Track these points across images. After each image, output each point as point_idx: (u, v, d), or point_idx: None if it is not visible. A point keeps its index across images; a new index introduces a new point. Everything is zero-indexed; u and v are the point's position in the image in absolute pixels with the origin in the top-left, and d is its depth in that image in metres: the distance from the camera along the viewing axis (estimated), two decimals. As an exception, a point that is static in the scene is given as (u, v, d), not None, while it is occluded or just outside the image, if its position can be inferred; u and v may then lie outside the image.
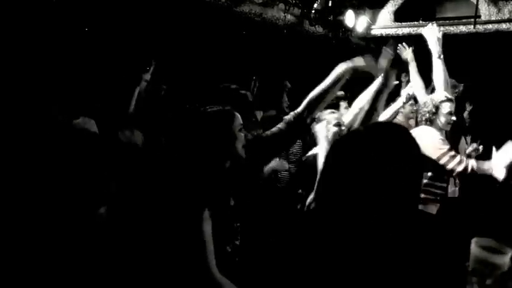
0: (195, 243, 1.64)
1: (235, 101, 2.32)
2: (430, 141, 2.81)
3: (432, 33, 3.31)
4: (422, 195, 2.79)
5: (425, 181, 2.86)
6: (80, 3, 4.33)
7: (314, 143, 3.09)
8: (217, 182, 1.76)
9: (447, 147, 2.83)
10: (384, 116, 3.70)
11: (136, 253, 1.68)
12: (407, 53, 3.67)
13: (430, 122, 3.00)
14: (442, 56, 3.26)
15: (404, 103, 3.37)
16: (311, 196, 2.29)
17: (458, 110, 5.48)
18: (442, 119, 3.00)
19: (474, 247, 1.05)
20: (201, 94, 4.58)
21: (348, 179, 1.09)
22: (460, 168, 2.73)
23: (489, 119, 5.71)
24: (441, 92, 3.11)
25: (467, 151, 3.80)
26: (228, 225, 2.01)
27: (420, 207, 2.60)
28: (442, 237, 2.52)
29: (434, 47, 3.29)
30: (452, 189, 3.84)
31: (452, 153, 2.82)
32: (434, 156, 2.79)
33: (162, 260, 1.65)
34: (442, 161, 2.79)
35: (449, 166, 2.78)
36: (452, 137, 4.49)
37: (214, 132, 1.78)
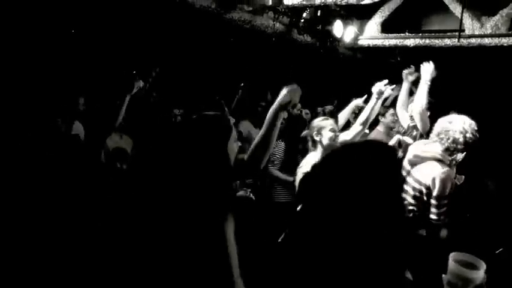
0: (218, 248, 1.61)
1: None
2: (445, 178, 2.61)
3: (428, 71, 3.38)
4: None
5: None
6: (73, 12, 4.33)
7: (301, 147, 3.13)
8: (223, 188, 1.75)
9: (437, 194, 2.76)
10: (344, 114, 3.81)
11: (154, 258, 1.66)
12: (410, 72, 3.78)
13: (452, 151, 2.67)
14: (429, 84, 3.31)
15: (376, 98, 3.25)
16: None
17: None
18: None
19: (451, 262, 1.11)
20: (190, 101, 4.61)
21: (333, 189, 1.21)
22: (441, 217, 2.72)
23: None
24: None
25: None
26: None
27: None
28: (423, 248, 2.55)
29: (427, 76, 3.34)
30: None
31: (442, 202, 2.83)
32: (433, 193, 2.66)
33: (183, 266, 1.62)
34: (433, 201, 2.70)
35: (436, 210, 2.82)
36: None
37: (213, 137, 1.76)
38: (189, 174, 1.69)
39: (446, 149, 2.59)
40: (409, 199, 2.64)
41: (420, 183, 2.62)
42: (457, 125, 2.65)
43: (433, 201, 2.55)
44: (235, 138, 1.83)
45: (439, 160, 2.60)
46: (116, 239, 1.81)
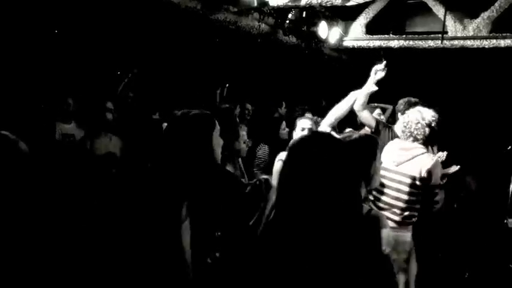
0: (173, 247, 1.64)
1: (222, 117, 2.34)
2: (432, 167, 2.74)
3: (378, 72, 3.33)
4: (397, 225, 2.83)
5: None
6: (58, 13, 4.27)
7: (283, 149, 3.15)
8: (198, 184, 1.76)
9: (440, 179, 2.87)
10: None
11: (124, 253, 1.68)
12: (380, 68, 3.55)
13: (428, 139, 2.86)
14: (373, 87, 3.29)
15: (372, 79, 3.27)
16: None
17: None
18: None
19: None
20: (186, 102, 4.59)
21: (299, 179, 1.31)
22: (439, 205, 2.89)
23: (454, 130, 5.91)
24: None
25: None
26: (209, 234, 1.98)
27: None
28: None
29: (375, 77, 3.31)
30: None
31: (438, 187, 2.90)
32: (430, 182, 2.75)
33: (139, 262, 1.64)
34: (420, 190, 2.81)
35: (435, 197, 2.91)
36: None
37: (197, 133, 1.79)
38: (165, 172, 1.73)
39: (420, 142, 2.77)
40: (403, 195, 2.72)
41: (414, 177, 2.73)
42: (413, 118, 2.82)
43: (431, 190, 2.74)
44: (218, 132, 1.88)
45: (424, 153, 2.76)
46: (106, 238, 1.83)
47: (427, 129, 2.78)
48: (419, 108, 2.95)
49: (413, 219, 2.77)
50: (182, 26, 5.20)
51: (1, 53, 3.81)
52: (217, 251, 2.02)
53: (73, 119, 3.74)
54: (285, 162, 1.41)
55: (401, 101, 3.70)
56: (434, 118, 2.82)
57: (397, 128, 3.31)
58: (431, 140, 2.84)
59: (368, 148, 1.84)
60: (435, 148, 5.36)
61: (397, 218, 2.71)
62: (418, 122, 2.79)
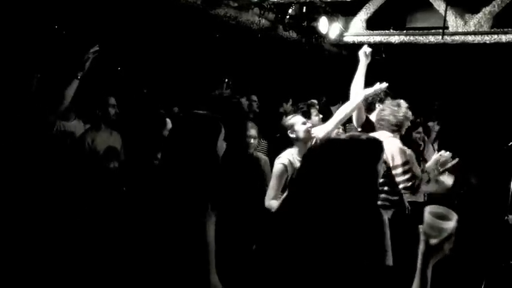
0: (198, 244, 1.64)
1: (230, 110, 2.33)
2: (390, 150, 2.89)
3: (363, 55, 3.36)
4: (379, 203, 2.86)
5: (381, 188, 2.92)
6: (58, 10, 4.25)
7: (282, 145, 3.13)
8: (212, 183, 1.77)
9: (402, 160, 2.91)
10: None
11: (138, 252, 1.68)
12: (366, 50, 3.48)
13: (396, 127, 3.05)
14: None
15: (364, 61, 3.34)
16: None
17: (425, 119, 5.67)
18: (406, 126, 3.09)
19: (427, 214, 1.26)
20: (186, 98, 4.57)
21: (316, 181, 1.38)
22: (407, 184, 2.90)
23: (456, 127, 5.91)
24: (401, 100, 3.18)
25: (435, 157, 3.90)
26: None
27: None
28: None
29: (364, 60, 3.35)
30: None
31: (406, 167, 2.91)
32: (390, 164, 2.89)
33: (163, 260, 1.64)
34: (393, 171, 2.91)
35: (398, 179, 2.90)
36: (420, 145, 4.62)
37: (204, 135, 1.79)
38: (178, 171, 1.74)
39: (392, 131, 3.00)
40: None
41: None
42: (388, 109, 3.06)
43: (395, 171, 2.89)
44: (223, 136, 1.87)
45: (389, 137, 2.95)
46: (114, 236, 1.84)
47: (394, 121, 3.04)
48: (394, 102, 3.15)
49: (387, 203, 2.85)
50: (182, 21, 5.17)
51: (4, 49, 3.79)
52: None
53: (74, 115, 3.73)
54: (302, 167, 1.46)
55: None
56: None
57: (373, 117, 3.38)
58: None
59: (374, 150, 1.82)
60: (435, 145, 5.36)
61: None
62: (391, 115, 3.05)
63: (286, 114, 5.23)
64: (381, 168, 1.84)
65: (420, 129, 4.63)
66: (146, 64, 5.47)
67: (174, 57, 5.66)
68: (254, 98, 5.16)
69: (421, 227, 1.28)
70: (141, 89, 4.61)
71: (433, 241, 1.24)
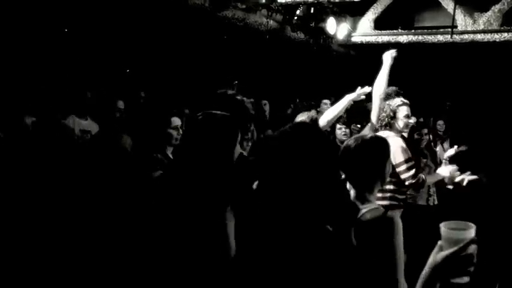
0: (219, 244, 1.65)
1: (235, 109, 2.33)
2: (393, 148, 2.89)
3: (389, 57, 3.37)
4: (387, 202, 2.86)
5: (388, 187, 2.94)
6: (68, 11, 4.30)
7: None
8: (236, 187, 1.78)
9: (405, 157, 2.92)
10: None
11: (158, 251, 1.69)
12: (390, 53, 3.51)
13: (390, 126, 3.07)
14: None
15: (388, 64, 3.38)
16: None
17: (434, 119, 5.63)
18: (400, 123, 3.09)
19: (443, 229, 1.20)
20: (194, 98, 4.60)
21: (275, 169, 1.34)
22: (412, 180, 2.90)
23: (465, 125, 5.87)
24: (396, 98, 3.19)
25: (447, 155, 3.88)
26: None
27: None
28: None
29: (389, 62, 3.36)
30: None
31: (409, 164, 2.92)
32: (393, 163, 2.89)
33: (184, 261, 1.65)
34: (397, 169, 2.92)
35: (403, 176, 2.91)
36: (429, 144, 4.59)
37: (225, 136, 1.78)
38: (198, 172, 1.74)
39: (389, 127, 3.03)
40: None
41: None
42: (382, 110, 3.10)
43: (399, 169, 2.87)
44: (239, 138, 1.88)
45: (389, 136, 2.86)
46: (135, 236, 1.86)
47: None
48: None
49: (395, 203, 2.87)
50: (190, 23, 5.20)
51: (16, 52, 3.85)
52: None
53: (88, 115, 3.78)
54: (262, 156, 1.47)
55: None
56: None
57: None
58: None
59: (382, 149, 1.83)
60: (446, 144, 5.33)
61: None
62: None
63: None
64: (389, 167, 1.85)
65: (425, 130, 4.61)
66: (155, 66, 5.51)
67: (182, 59, 5.70)
68: (264, 102, 5.18)
69: (439, 243, 1.23)
70: (149, 91, 4.63)
71: (449, 251, 1.20)
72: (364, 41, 6.83)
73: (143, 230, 1.81)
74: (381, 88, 3.18)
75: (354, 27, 6.88)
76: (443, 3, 6.12)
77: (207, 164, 1.72)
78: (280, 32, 6.02)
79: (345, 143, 1.86)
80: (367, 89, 3.19)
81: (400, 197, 2.97)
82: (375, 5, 6.67)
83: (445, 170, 3.13)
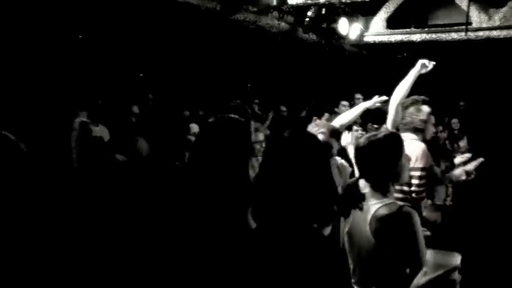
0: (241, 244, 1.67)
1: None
2: (415, 152, 2.87)
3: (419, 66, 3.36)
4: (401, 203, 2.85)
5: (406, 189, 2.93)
6: (82, 17, 4.36)
7: None
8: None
9: (424, 165, 2.90)
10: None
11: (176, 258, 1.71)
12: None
13: (417, 131, 3.05)
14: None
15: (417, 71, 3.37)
16: None
17: (449, 118, 5.57)
18: (429, 131, 3.08)
19: (430, 254, 1.20)
20: (197, 103, 4.63)
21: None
22: (418, 189, 2.90)
23: (481, 125, 5.78)
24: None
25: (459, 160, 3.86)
26: None
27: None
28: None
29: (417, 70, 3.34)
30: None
31: (424, 173, 2.91)
32: (411, 165, 2.88)
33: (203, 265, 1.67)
34: (411, 172, 2.90)
35: (412, 181, 2.90)
36: (444, 144, 4.55)
37: (240, 139, 1.80)
38: (217, 177, 1.75)
39: (415, 133, 2.97)
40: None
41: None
42: (407, 112, 3.03)
43: (414, 173, 2.82)
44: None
45: (414, 139, 2.92)
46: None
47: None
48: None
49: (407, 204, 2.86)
50: (203, 27, 5.24)
51: (29, 58, 3.92)
52: None
53: (99, 121, 3.84)
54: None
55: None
56: None
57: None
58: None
59: (394, 146, 1.83)
60: (462, 142, 5.26)
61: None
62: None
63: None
64: (404, 164, 1.84)
65: (441, 127, 4.57)
66: (168, 70, 5.56)
67: (195, 62, 5.74)
68: (283, 108, 5.19)
69: (423, 268, 1.24)
70: (158, 94, 4.68)
71: (433, 275, 1.20)
72: (376, 41, 6.78)
73: (158, 234, 1.82)
74: (400, 95, 3.16)
75: (366, 27, 6.83)
76: (457, 0, 6.05)
77: (224, 167, 1.73)
78: (292, 34, 6.02)
79: (359, 140, 1.87)
80: (383, 98, 3.24)
81: (412, 197, 2.95)
82: (387, 4, 6.61)
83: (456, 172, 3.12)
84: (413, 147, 2.86)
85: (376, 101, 3.28)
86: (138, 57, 5.21)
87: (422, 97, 3.36)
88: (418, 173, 2.92)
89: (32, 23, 3.97)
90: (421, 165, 2.91)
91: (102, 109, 3.73)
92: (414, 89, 3.74)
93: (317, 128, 3.12)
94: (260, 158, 3.59)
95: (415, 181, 2.91)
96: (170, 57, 5.45)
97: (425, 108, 3.09)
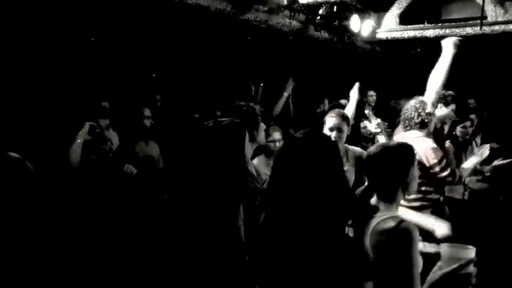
0: (232, 247, 1.69)
1: (244, 116, 2.42)
2: (423, 150, 2.86)
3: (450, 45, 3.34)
4: (418, 204, 2.82)
5: (424, 188, 2.90)
6: (90, 18, 4.40)
7: None
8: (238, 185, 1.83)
9: (438, 157, 2.88)
10: None
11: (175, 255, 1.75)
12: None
13: (423, 126, 3.01)
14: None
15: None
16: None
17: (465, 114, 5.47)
18: (445, 130, 3.07)
19: (444, 248, 1.20)
20: (209, 105, 4.65)
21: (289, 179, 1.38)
22: (450, 178, 2.89)
23: (497, 121, 5.67)
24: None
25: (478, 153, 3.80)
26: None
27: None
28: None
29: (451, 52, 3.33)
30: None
31: (443, 163, 2.88)
32: (427, 164, 2.87)
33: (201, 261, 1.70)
34: (432, 171, 2.88)
35: (440, 175, 2.88)
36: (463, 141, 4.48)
37: (233, 142, 1.85)
38: (211, 177, 1.79)
39: (420, 130, 2.96)
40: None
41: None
42: (411, 108, 3.02)
43: (434, 170, 2.86)
44: (248, 139, 1.94)
45: (419, 137, 2.92)
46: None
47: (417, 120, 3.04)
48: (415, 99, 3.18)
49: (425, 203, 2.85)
50: (214, 28, 5.25)
51: (37, 60, 3.98)
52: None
53: (110, 125, 3.88)
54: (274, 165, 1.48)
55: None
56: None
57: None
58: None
59: (405, 156, 1.80)
60: (478, 139, 5.18)
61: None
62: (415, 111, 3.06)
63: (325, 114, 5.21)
64: (416, 172, 1.82)
65: (468, 123, 4.51)
66: (181, 71, 5.59)
67: (207, 63, 5.76)
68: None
69: (438, 262, 1.23)
70: (174, 96, 4.71)
71: (448, 268, 1.19)
72: (389, 37, 6.71)
73: (158, 228, 1.88)
74: (438, 82, 3.16)
75: (378, 24, 6.77)
76: (471, -6, 5.95)
77: (216, 165, 1.78)
78: (304, 32, 5.99)
79: (369, 149, 1.86)
80: (357, 84, 3.71)
81: (434, 197, 2.95)
82: (400, -1, 6.55)
83: (473, 158, 3.14)
84: (420, 145, 2.83)
85: (355, 86, 3.66)
86: (149, 60, 5.25)
87: (451, 93, 3.39)
88: (438, 167, 2.89)
89: (44, 25, 4.03)
90: (436, 160, 2.88)
91: (111, 112, 3.77)
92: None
93: (329, 114, 3.14)
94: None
95: (442, 174, 2.89)
96: (181, 59, 5.48)
97: (450, 108, 3.10)
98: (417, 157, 2.84)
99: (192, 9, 4.55)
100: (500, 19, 5.76)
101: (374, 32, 6.71)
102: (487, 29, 5.81)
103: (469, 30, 5.97)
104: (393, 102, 5.31)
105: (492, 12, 5.81)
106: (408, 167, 1.77)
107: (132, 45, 4.99)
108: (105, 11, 4.42)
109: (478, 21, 5.81)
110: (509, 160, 3.41)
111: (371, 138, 4.99)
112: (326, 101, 5.88)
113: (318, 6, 5.66)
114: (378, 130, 4.91)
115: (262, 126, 2.90)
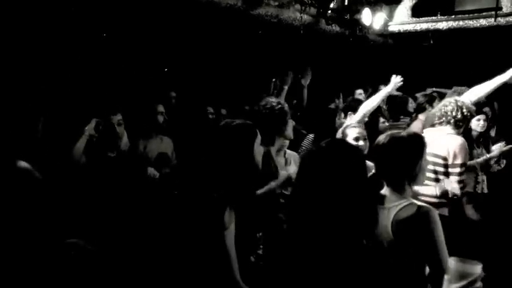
0: (218, 251, 1.70)
1: (274, 112, 2.53)
2: (452, 147, 2.86)
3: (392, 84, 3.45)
4: (437, 200, 2.81)
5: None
6: (101, 16, 4.43)
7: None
8: (240, 190, 1.83)
9: (463, 161, 2.89)
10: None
11: (159, 260, 1.76)
12: None
13: (457, 125, 3.01)
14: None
15: None
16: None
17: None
18: (467, 126, 3.08)
19: (451, 262, 1.21)
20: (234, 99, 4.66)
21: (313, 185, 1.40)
22: (454, 186, 2.89)
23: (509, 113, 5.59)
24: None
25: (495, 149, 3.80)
26: (250, 235, 2.09)
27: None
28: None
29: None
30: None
31: (462, 170, 2.89)
32: (449, 162, 2.87)
33: (186, 268, 1.71)
34: (450, 169, 2.89)
35: (452, 177, 2.88)
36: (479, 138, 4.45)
37: (239, 143, 1.86)
38: (214, 177, 1.79)
39: (454, 127, 2.97)
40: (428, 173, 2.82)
41: (436, 155, 2.90)
42: (452, 104, 3.04)
43: (453, 170, 2.87)
44: (259, 141, 1.94)
45: (451, 134, 2.96)
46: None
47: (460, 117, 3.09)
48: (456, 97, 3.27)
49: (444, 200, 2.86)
50: (224, 23, 5.26)
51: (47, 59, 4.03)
52: (259, 249, 2.14)
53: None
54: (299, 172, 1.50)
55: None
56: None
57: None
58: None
59: (414, 147, 1.80)
60: (492, 132, 5.11)
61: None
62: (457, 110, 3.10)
63: (338, 110, 5.18)
64: (425, 164, 1.82)
65: (483, 116, 4.47)
66: (189, 67, 5.62)
67: (218, 59, 5.77)
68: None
69: (446, 276, 1.25)
70: (181, 92, 4.72)
71: (458, 285, 1.19)
72: (401, 30, 6.63)
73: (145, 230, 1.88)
74: (479, 95, 3.26)
75: (390, 16, 6.70)
76: (485, -15, 5.85)
77: (211, 167, 1.79)
78: (315, 26, 5.97)
79: (378, 138, 1.86)
80: (399, 78, 3.44)
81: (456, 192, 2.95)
82: (412, -9, 6.47)
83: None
84: (451, 142, 2.82)
85: (395, 82, 3.40)
86: (161, 56, 5.28)
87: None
88: (457, 170, 2.88)
89: (58, 21, 4.07)
90: (460, 162, 2.86)
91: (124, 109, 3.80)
92: (444, 79, 3.72)
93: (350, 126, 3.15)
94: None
95: (454, 177, 2.87)
96: (193, 56, 5.50)
97: (470, 104, 3.11)
98: (441, 152, 2.87)
99: (203, 5, 4.57)
100: (515, 10, 5.66)
101: (386, 25, 6.65)
102: (501, 21, 5.71)
103: (483, 22, 5.87)
104: (402, 96, 5.24)
105: (507, 2, 5.70)
106: (417, 159, 1.77)
107: (144, 41, 5.03)
108: (118, 7, 4.45)
109: (493, 12, 5.72)
110: None
111: None
112: (341, 97, 5.84)
113: (329, -1, 5.64)
114: None
115: (291, 122, 2.94)
